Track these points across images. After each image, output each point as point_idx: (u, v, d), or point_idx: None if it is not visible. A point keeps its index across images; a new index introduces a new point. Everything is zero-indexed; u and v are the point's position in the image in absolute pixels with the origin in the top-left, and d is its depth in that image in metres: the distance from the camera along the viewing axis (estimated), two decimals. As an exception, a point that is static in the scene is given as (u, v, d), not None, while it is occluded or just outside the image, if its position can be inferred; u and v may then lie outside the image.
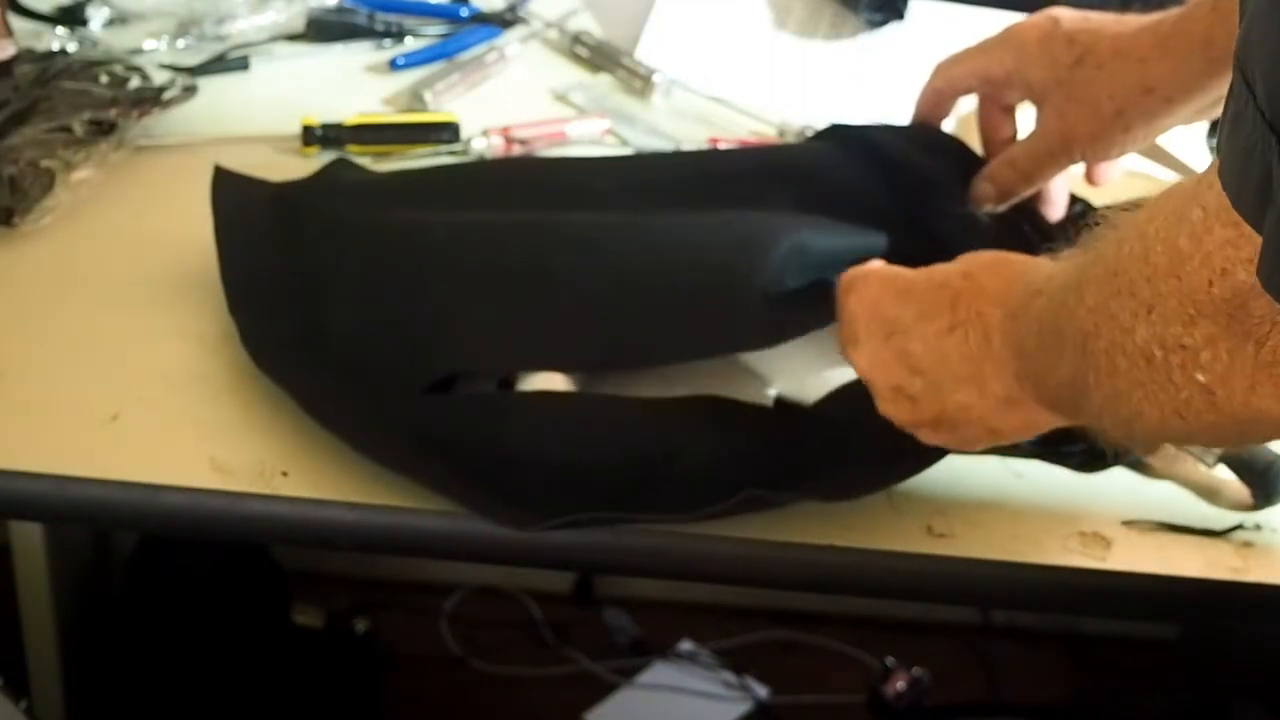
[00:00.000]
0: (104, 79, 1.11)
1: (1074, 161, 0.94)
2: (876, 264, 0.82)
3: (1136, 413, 0.64)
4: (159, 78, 1.14)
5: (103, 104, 1.08)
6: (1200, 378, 0.59)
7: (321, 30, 1.22)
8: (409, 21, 1.25)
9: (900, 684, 1.80)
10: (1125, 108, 0.89)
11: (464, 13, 1.26)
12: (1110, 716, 1.90)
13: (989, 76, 0.96)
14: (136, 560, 1.66)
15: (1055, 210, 0.98)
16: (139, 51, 1.18)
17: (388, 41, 1.23)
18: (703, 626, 1.95)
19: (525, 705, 1.89)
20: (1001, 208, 0.97)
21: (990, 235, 0.93)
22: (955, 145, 1.00)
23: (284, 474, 0.82)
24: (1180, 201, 0.58)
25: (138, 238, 0.99)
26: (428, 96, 1.15)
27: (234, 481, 0.82)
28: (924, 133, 0.99)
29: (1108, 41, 0.89)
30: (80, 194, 1.01)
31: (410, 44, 1.23)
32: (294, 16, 1.23)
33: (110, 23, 1.22)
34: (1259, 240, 0.53)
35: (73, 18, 1.20)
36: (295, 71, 1.19)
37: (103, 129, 1.06)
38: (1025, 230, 0.95)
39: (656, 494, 0.81)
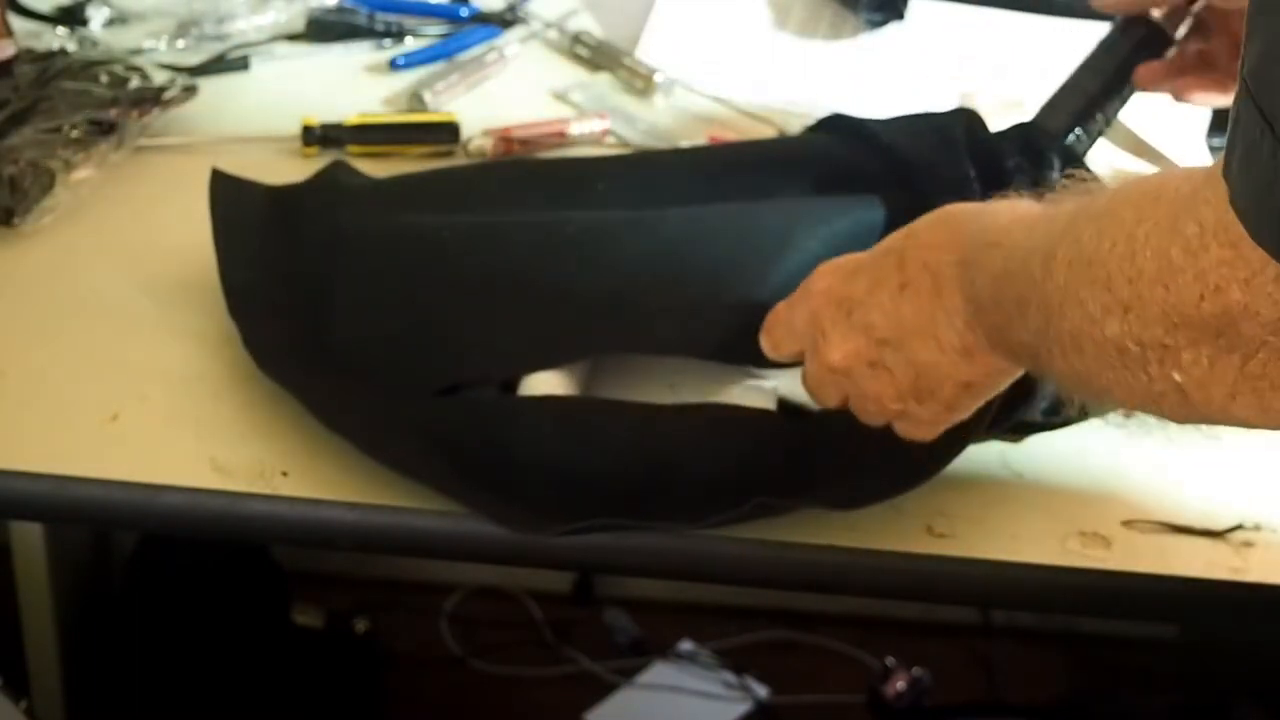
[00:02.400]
0: (104, 79, 1.11)
1: None
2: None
3: (1104, 390, 0.64)
4: (159, 78, 1.14)
5: (103, 104, 1.08)
6: (1177, 377, 0.59)
7: (321, 30, 1.23)
8: (409, 21, 1.25)
9: (900, 684, 1.80)
10: None
11: (464, 13, 1.26)
12: (1110, 716, 1.90)
13: None
14: (136, 560, 1.66)
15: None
16: (139, 51, 1.18)
17: (388, 41, 1.23)
18: (703, 626, 1.95)
19: (525, 705, 1.89)
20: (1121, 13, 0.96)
21: None
22: (953, 126, 0.97)
23: (284, 474, 0.82)
24: (1172, 209, 0.57)
25: (138, 238, 0.99)
26: (428, 96, 1.15)
27: (234, 481, 0.82)
28: (921, 121, 0.98)
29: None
30: (80, 194, 1.01)
31: (410, 44, 1.23)
32: (294, 16, 1.23)
33: (110, 23, 1.22)
34: (1257, 261, 0.52)
35: (73, 18, 1.21)
36: (295, 71, 1.19)
37: (103, 129, 1.06)
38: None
39: (665, 500, 0.81)
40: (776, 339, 0.83)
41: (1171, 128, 1.11)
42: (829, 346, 0.78)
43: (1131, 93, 1.01)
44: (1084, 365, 0.63)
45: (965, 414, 0.78)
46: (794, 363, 0.83)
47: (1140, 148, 1.12)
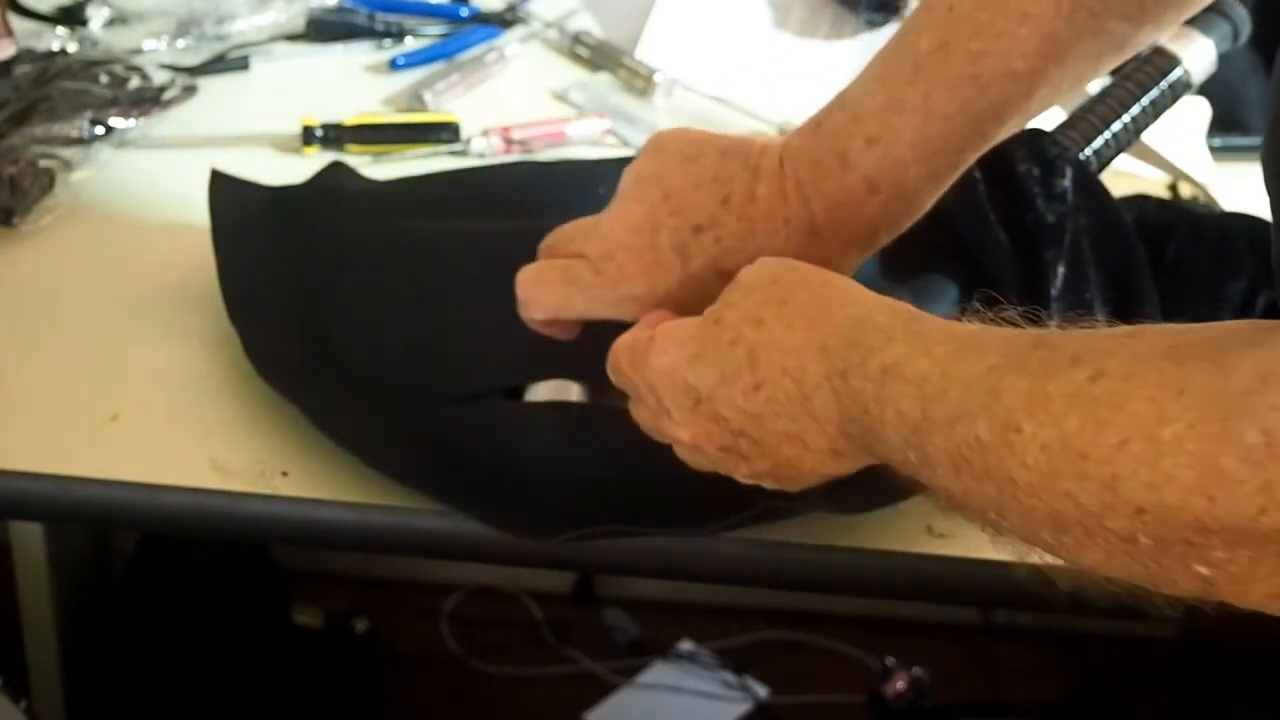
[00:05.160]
0: (104, 79, 1.11)
1: None
2: (657, 322, 0.74)
3: (1092, 566, 0.57)
4: (159, 78, 1.14)
5: (103, 104, 1.08)
6: (1203, 570, 0.52)
7: (321, 30, 1.23)
8: (409, 21, 1.25)
9: (900, 684, 1.80)
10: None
11: (464, 13, 1.26)
12: (1110, 716, 1.90)
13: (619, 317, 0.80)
14: (136, 560, 1.66)
15: None
16: (139, 51, 1.18)
17: (388, 41, 1.23)
18: (703, 626, 1.95)
19: (525, 705, 1.89)
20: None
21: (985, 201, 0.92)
22: None
23: (284, 474, 0.82)
24: (1214, 409, 0.50)
25: (138, 238, 0.99)
26: (428, 96, 1.15)
27: (234, 481, 0.82)
28: None
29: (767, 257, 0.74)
30: (80, 194, 1.01)
31: (410, 44, 1.23)
32: (294, 16, 1.23)
33: (110, 23, 1.22)
34: None
35: (73, 18, 1.21)
36: (295, 71, 1.19)
37: (103, 129, 1.06)
38: (1026, 178, 0.93)
39: (672, 507, 0.80)
40: (615, 378, 0.76)
41: (1171, 128, 1.11)
42: (674, 425, 0.72)
43: (1149, 123, 1.00)
44: (1066, 542, 0.57)
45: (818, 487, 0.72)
46: None
47: (1141, 150, 1.12)
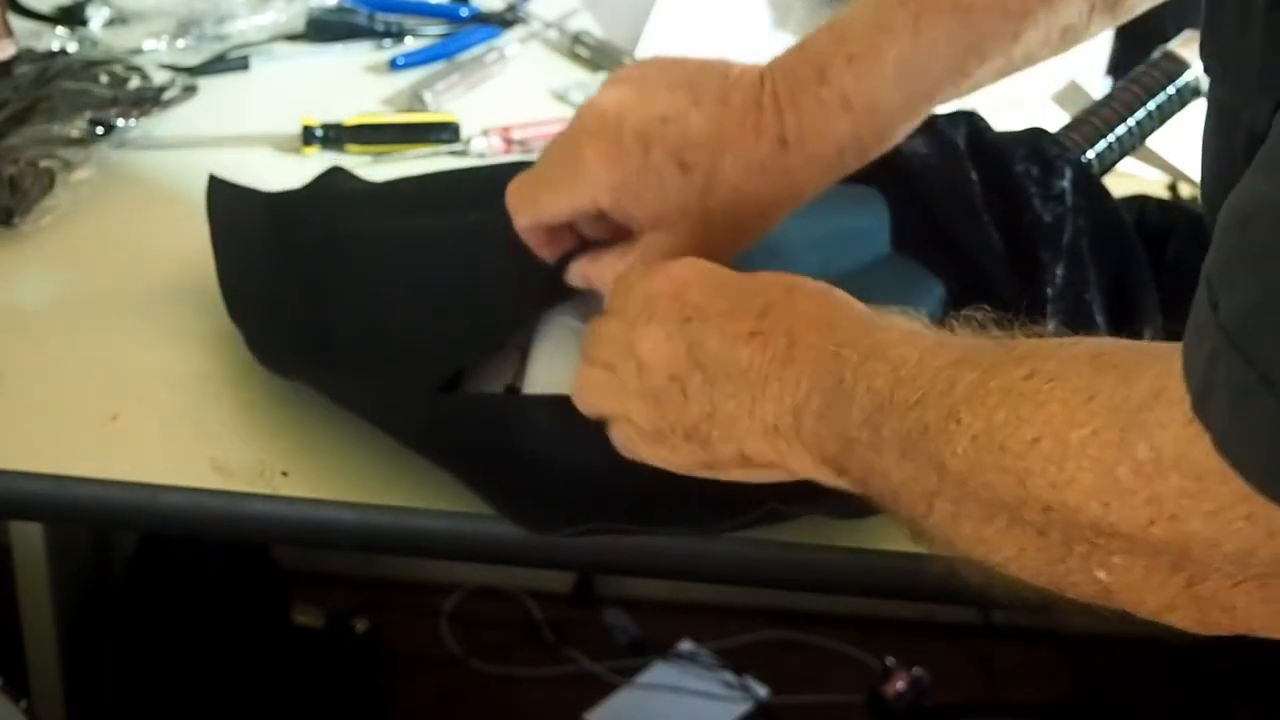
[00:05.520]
0: (104, 79, 1.11)
1: None
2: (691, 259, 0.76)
3: (998, 561, 0.59)
4: (159, 78, 1.14)
5: (103, 104, 1.08)
6: (1102, 575, 0.55)
7: (321, 30, 1.23)
8: (409, 21, 1.25)
9: (900, 684, 1.80)
10: (775, 215, 0.79)
11: (464, 13, 1.26)
12: (1110, 716, 1.90)
13: (580, 216, 0.81)
14: (136, 560, 1.66)
15: None
16: (139, 51, 1.18)
17: (388, 41, 1.23)
18: (703, 626, 1.95)
19: (525, 705, 1.89)
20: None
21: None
22: (954, 128, 0.96)
23: (284, 474, 0.82)
24: (1115, 421, 0.52)
25: (138, 238, 0.99)
26: (428, 96, 1.15)
27: (234, 481, 0.82)
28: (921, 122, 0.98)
29: (731, 159, 0.77)
30: (80, 194, 1.01)
31: (410, 44, 1.23)
32: (294, 16, 1.23)
33: (110, 23, 1.22)
34: (1228, 497, 0.48)
35: (73, 18, 1.21)
36: (295, 71, 1.19)
37: (103, 129, 1.06)
38: (1027, 183, 0.93)
39: (676, 506, 0.80)
40: (600, 277, 0.78)
41: (1171, 130, 1.10)
42: (643, 334, 0.73)
43: (1155, 128, 1.00)
44: (986, 534, 0.59)
45: (712, 476, 0.74)
46: None
47: (1141, 150, 1.12)
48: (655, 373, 0.72)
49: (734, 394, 0.70)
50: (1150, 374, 0.52)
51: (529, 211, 0.82)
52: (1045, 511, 0.54)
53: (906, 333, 0.65)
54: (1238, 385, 0.47)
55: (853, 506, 0.79)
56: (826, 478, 0.70)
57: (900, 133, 0.79)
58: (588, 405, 0.77)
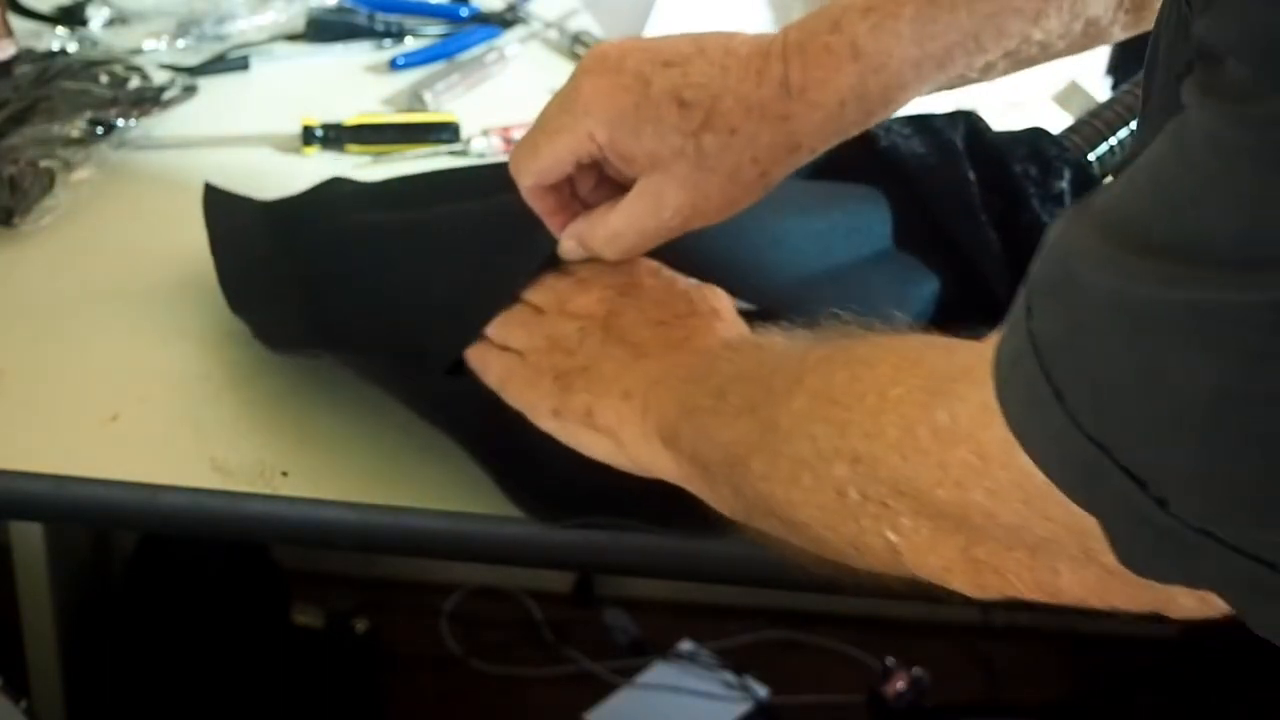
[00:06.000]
0: (104, 79, 1.11)
1: (691, 229, 0.80)
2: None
3: (801, 523, 0.62)
4: (159, 78, 1.14)
5: (103, 104, 1.08)
6: (891, 536, 0.57)
7: (321, 30, 1.23)
8: (409, 21, 1.25)
9: (900, 684, 1.80)
10: (770, 168, 0.78)
11: (464, 13, 1.26)
12: (1110, 716, 1.90)
13: (580, 159, 0.80)
14: (136, 560, 1.66)
15: None
16: (139, 51, 1.18)
17: (388, 41, 1.23)
18: (703, 626, 1.95)
19: (525, 705, 1.89)
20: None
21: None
22: (952, 128, 0.97)
23: (284, 474, 0.82)
24: (929, 384, 0.55)
25: (138, 237, 0.99)
26: (428, 96, 1.15)
27: (234, 481, 0.82)
28: (920, 122, 0.98)
29: (731, 100, 0.77)
30: (80, 194, 1.01)
31: (410, 44, 1.23)
32: (294, 16, 1.24)
33: (110, 23, 1.22)
34: (1006, 482, 0.51)
35: (73, 18, 1.21)
36: (295, 71, 1.19)
37: (103, 129, 1.06)
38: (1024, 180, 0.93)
39: (678, 505, 0.80)
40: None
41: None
42: (584, 291, 0.80)
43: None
44: (794, 495, 0.62)
45: (552, 429, 0.78)
46: None
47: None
48: (569, 321, 0.79)
49: (616, 359, 0.76)
50: (970, 352, 0.54)
51: (530, 165, 0.81)
52: (854, 464, 0.58)
53: (791, 338, 0.70)
54: (1034, 391, 0.48)
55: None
56: (649, 453, 0.73)
57: (905, 96, 0.78)
58: (497, 328, 0.81)
